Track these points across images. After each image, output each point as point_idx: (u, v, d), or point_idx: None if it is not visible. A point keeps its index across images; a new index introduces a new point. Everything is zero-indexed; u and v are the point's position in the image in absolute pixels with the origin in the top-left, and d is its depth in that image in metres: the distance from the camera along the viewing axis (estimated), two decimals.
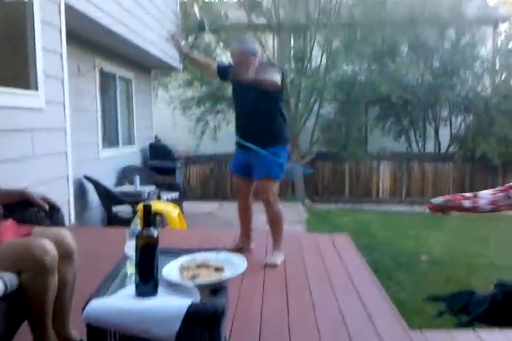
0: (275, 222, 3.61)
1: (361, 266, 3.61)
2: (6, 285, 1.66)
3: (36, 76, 3.64)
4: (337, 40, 10.26)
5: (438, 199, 1.83)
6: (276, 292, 3.01)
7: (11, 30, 3.56)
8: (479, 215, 2.00)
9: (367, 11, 10.11)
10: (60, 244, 1.88)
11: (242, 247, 3.70)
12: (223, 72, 3.68)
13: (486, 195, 1.67)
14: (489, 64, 10.77)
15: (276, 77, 3.31)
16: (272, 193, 3.54)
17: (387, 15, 10.19)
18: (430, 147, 11.16)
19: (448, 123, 10.96)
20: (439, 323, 3.35)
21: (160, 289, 1.71)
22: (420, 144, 11.23)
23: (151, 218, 1.71)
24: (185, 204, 7.16)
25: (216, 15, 10.30)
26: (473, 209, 1.71)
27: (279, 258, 3.53)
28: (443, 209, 1.79)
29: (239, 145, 3.63)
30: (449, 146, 10.86)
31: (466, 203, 1.72)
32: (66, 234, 1.97)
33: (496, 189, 1.67)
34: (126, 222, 5.01)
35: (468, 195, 1.73)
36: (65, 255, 1.91)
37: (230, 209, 7.75)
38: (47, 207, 2.15)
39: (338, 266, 3.60)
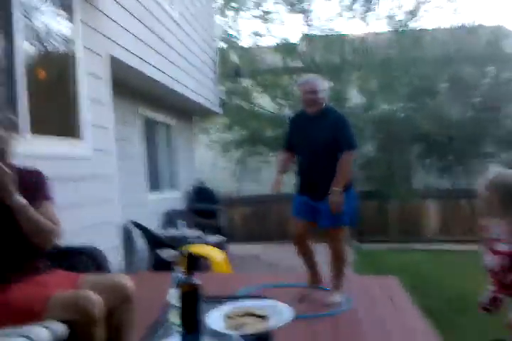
0: (341, 263, 3.57)
1: (413, 310, 3.44)
2: (53, 334, 1.67)
3: (84, 126, 3.80)
4: (373, 80, 10.30)
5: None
6: (327, 339, 2.89)
7: (58, 82, 3.76)
8: None
9: (402, 50, 10.16)
10: (117, 289, 1.93)
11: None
12: (290, 146, 3.68)
13: None
14: None
15: (353, 146, 3.44)
16: (343, 240, 3.54)
17: (423, 54, 10.22)
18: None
19: (494, 159, 10.63)
20: None
21: (204, 339, 1.67)
22: (467, 181, 10.89)
23: (193, 266, 1.70)
24: (230, 246, 7.13)
25: (252, 59, 10.60)
26: None
27: (339, 298, 3.49)
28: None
29: (302, 190, 3.58)
30: None
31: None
32: (124, 279, 2.00)
33: None
34: (171, 266, 5.02)
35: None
36: (123, 299, 1.94)
37: (274, 252, 7.67)
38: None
39: (388, 310, 3.45)
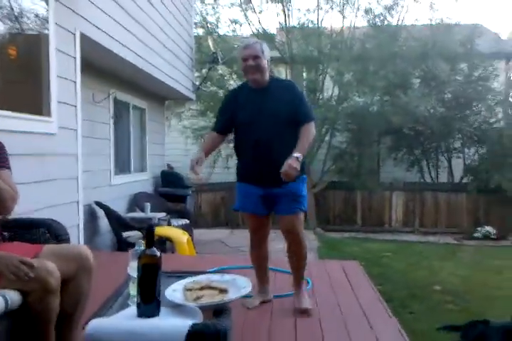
0: (303, 258, 3.12)
1: (372, 293, 3.53)
2: (7, 302, 1.66)
3: (50, 102, 3.72)
4: (349, 73, 10.38)
5: None
6: (285, 320, 2.94)
7: (27, 58, 3.67)
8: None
9: (379, 45, 10.25)
10: (76, 258, 1.93)
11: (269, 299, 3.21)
12: (225, 128, 3.13)
13: None
14: (502, 96, 10.81)
15: (312, 117, 2.95)
16: (302, 225, 3.07)
17: (399, 49, 10.34)
18: (443, 178, 11.09)
19: (461, 154, 10.93)
20: None
21: (163, 310, 1.69)
22: (433, 175, 11.17)
23: (153, 239, 1.71)
24: (196, 231, 7.13)
25: (229, 48, 10.54)
26: None
27: (309, 300, 3.13)
28: None
29: (248, 177, 3.05)
30: (462, 177, 10.77)
31: None
32: (84, 249, 2.00)
33: None
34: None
35: None
36: (82, 269, 1.94)
37: (240, 237, 7.71)
38: None
39: (348, 294, 3.52)
